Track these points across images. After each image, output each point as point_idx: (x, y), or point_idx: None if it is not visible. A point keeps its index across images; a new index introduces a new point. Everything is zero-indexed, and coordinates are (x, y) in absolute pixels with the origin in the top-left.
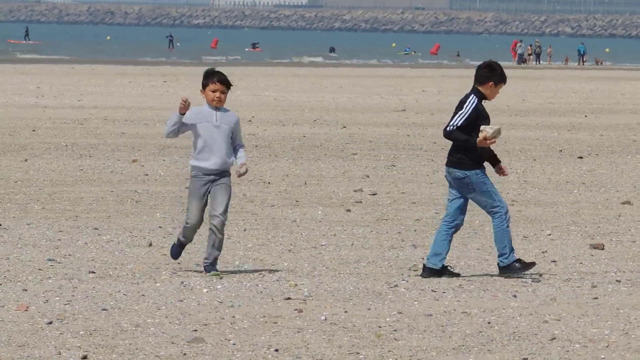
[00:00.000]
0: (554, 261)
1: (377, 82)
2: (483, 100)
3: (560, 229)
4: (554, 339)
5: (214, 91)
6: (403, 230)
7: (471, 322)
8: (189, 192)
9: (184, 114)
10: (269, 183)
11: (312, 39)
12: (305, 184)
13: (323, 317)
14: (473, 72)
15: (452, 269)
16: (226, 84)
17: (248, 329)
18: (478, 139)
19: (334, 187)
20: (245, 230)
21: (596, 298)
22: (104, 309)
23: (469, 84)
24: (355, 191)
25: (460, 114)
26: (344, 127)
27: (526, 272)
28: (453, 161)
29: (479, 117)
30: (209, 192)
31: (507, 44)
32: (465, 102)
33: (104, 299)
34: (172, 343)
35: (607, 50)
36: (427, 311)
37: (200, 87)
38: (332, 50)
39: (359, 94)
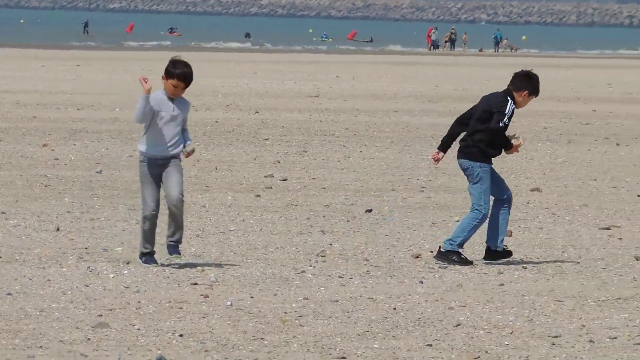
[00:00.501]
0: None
1: (291, 68)
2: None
3: None
4: (459, 325)
5: (175, 86)
6: (312, 216)
7: (377, 308)
8: (141, 180)
9: (149, 94)
10: None
11: (228, 24)
12: (216, 169)
13: (229, 303)
14: (387, 57)
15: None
16: (188, 80)
17: (153, 314)
18: (515, 144)
19: (244, 172)
20: None
21: (502, 284)
22: (9, 294)
23: (385, 69)
24: (266, 177)
25: (506, 114)
26: (257, 112)
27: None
28: (464, 153)
29: (509, 120)
30: (161, 177)
31: (423, 31)
32: (504, 106)
33: (9, 283)
34: (77, 328)
35: (524, 38)
36: (333, 297)
37: (163, 73)
38: (247, 35)
39: (272, 80)
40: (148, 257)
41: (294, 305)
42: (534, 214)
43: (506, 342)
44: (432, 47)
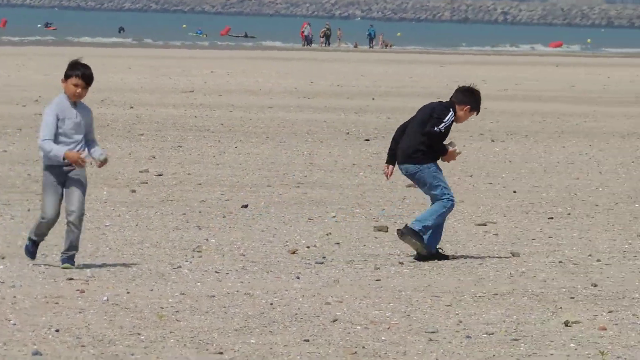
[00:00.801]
0: (337, 243)
1: (165, 63)
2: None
3: (345, 211)
4: (336, 320)
5: (75, 85)
6: (188, 212)
7: (254, 304)
8: (44, 184)
9: (64, 160)
10: None
11: (101, 19)
12: (91, 164)
13: (105, 298)
14: (262, 53)
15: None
16: (88, 79)
17: (29, 309)
18: (450, 150)
19: (119, 167)
20: (29, 211)
21: (379, 280)
22: None
23: (260, 65)
24: (141, 172)
25: (445, 122)
26: (132, 107)
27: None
28: (407, 157)
29: (448, 133)
30: (65, 185)
31: (297, 26)
32: (444, 115)
33: None
34: None
35: (399, 34)
36: (210, 292)
37: (62, 76)
38: (121, 30)
39: (147, 75)
40: (32, 245)
41: (170, 300)
42: (410, 210)
43: (383, 338)
44: (305, 43)
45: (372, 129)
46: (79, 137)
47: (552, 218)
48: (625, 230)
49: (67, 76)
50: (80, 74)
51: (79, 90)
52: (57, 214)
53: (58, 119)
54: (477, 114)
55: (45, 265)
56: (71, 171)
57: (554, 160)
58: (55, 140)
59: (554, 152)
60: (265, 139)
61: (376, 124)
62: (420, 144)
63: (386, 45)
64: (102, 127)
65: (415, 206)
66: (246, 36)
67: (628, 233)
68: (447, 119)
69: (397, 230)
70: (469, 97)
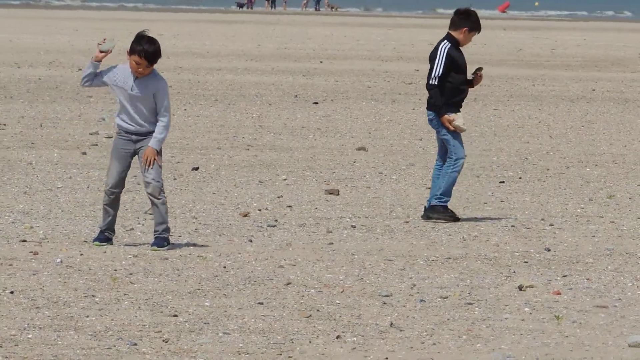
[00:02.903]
0: (289, 206)
1: (111, 25)
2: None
3: (296, 174)
4: (289, 283)
5: (137, 63)
6: (139, 174)
7: (207, 266)
8: (111, 151)
9: (99, 62)
10: (4, 125)
11: None
12: (41, 126)
13: (59, 260)
14: (207, 15)
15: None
16: (151, 59)
17: None
18: (444, 117)
19: (70, 129)
20: None
21: (331, 243)
22: None
23: (205, 27)
24: (91, 134)
25: (437, 63)
26: (80, 69)
27: (440, 220)
28: (427, 103)
29: (453, 63)
30: (137, 155)
31: None
32: (438, 49)
33: None
34: None
35: None
36: (163, 255)
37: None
38: None
39: (94, 37)
40: (99, 234)
41: (123, 262)
42: (360, 173)
43: (337, 301)
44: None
45: (321, 92)
46: (140, 106)
47: (503, 182)
48: (577, 194)
49: (130, 50)
50: (142, 52)
51: (140, 69)
52: (118, 185)
53: (105, 83)
54: (478, 32)
55: None
56: (140, 141)
57: (503, 124)
58: (120, 105)
59: (504, 116)
60: (214, 101)
61: (324, 87)
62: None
63: (332, 8)
64: (51, 89)
65: (366, 169)
66: None
67: (580, 197)
68: (437, 61)
69: (422, 216)
70: (464, 20)
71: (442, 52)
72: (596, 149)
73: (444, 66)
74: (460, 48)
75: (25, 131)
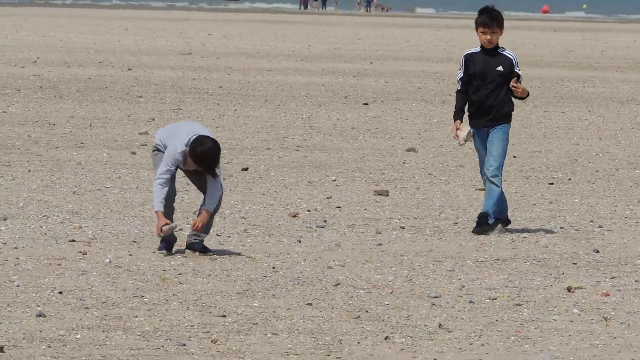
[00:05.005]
0: (338, 207)
1: (162, 25)
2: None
3: (345, 175)
4: (338, 284)
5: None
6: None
7: (256, 267)
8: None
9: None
10: (54, 125)
11: None
12: (91, 126)
13: (107, 260)
14: (257, 15)
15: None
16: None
17: (32, 270)
18: (455, 124)
19: (119, 129)
20: (30, 172)
21: (380, 244)
22: None
23: (256, 27)
24: (140, 134)
25: (459, 73)
26: (130, 69)
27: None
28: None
29: (468, 67)
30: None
31: None
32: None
33: None
34: None
35: None
36: (212, 255)
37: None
38: None
39: (144, 37)
40: (161, 244)
41: (172, 263)
42: (410, 174)
43: (386, 302)
44: (302, 6)
45: (371, 92)
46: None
47: (552, 183)
48: (627, 196)
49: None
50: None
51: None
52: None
53: None
54: (484, 27)
55: (46, 226)
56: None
57: (553, 126)
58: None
59: (554, 118)
60: (264, 102)
61: (374, 88)
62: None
63: (382, 9)
64: (101, 89)
65: (416, 170)
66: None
67: (629, 199)
68: (461, 68)
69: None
70: (476, 18)
71: (463, 63)
72: None
73: (462, 70)
74: (486, 49)
75: (74, 131)
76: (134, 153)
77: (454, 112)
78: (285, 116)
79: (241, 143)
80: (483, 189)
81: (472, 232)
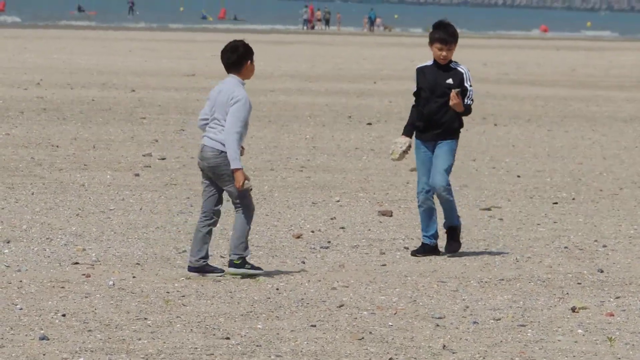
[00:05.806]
0: (342, 228)
1: (166, 46)
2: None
3: (349, 195)
4: (342, 305)
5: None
6: (192, 195)
7: (259, 288)
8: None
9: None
10: (57, 146)
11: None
12: (94, 147)
13: (111, 282)
14: (262, 37)
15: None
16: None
17: (35, 293)
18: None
19: (122, 151)
20: (33, 194)
21: (384, 265)
22: None
23: (259, 48)
24: (144, 155)
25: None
26: (133, 90)
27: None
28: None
29: (419, 81)
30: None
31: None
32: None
33: None
34: None
35: (396, 16)
36: (216, 277)
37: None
38: (80, 9)
39: (148, 58)
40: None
41: (176, 285)
42: (413, 194)
43: (390, 323)
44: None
45: (375, 112)
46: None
47: (556, 203)
48: (631, 215)
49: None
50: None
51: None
52: (215, 211)
53: None
54: (439, 41)
55: (50, 249)
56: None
57: (557, 145)
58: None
59: (557, 137)
60: (267, 122)
61: (378, 108)
62: None
63: (386, 29)
64: (104, 110)
65: None
66: (235, 19)
67: (633, 218)
68: (416, 82)
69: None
70: (431, 33)
71: (417, 76)
72: None
73: (416, 84)
74: (441, 64)
75: (78, 153)
76: (137, 175)
77: (404, 126)
78: (289, 137)
79: (245, 164)
80: (487, 209)
81: (446, 252)
